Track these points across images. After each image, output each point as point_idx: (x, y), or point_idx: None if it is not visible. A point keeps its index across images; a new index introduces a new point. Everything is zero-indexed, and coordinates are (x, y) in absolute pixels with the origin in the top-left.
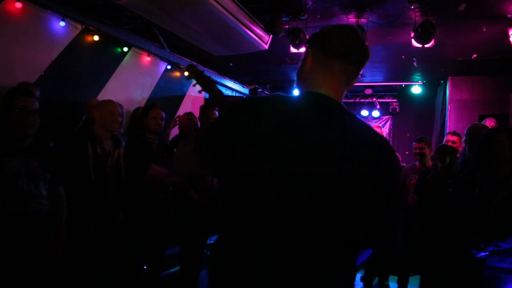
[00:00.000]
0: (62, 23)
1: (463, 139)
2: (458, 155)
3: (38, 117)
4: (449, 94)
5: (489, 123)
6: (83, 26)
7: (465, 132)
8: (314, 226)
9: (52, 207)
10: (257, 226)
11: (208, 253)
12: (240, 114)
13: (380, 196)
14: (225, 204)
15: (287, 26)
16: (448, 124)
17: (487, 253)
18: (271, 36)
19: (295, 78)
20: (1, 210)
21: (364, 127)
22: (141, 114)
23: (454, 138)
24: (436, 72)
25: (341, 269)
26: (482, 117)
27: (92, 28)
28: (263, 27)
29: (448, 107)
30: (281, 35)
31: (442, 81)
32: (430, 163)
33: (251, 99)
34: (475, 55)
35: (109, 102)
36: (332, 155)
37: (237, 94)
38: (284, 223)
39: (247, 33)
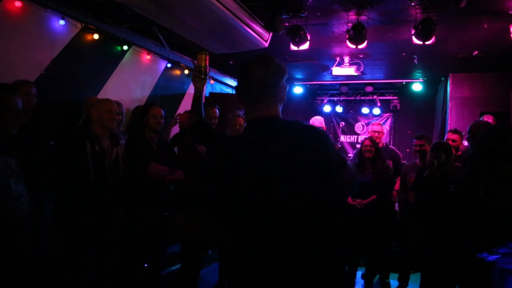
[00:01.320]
0: (61, 22)
1: (465, 137)
2: (459, 152)
3: (22, 116)
4: (450, 91)
5: (487, 120)
6: (83, 25)
7: (467, 129)
8: (297, 223)
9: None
10: (257, 233)
11: (210, 252)
12: (213, 169)
13: (334, 170)
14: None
15: (287, 24)
16: (449, 122)
17: (499, 256)
18: (271, 33)
19: (295, 75)
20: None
21: (296, 127)
22: (141, 112)
23: (455, 136)
24: (437, 69)
25: (329, 257)
26: (483, 114)
27: (92, 26)
28: (263, 24)
29: (449, 104)
30: (281, 32)
31: (443, 78)
32: None
33: (218, 149)
34: (476, 52)
35: (107, 100)
36: (284, 162)
37: None
38: (273, 226)
39: (247, 31)
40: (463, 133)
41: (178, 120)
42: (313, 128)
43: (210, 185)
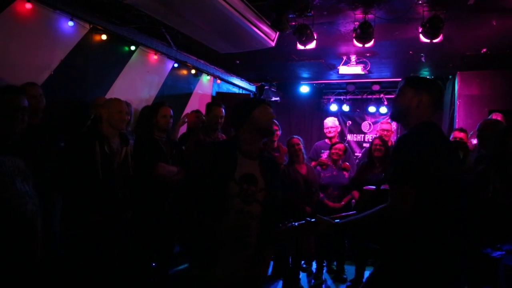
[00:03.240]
0: (70, 23)
1: (471, 134)
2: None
3: (26, 115)
4: (458, 89)
5: (496, 117)
6: (91, 26)
7: (476, 128)
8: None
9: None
10: None
11: None
12: None
13: None
14: None
15: (293, 23)
16: (457, 120)
17: (503, 252)
18: (277, 33)
19: (301, 74)
20: (3, 211)
21: None
22: (150, 112)
23: (461, 134)
24: (444, 67)
25: None
26: (491, 112)
27: (99, 27)
28: (269, 24)
29: (456, 102)
30: (287, 32)
31: (450, 76)
32: None
33: None
34: (484, 50)
35: (117, 100)
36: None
37: (243, 92)
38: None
39: (253, 30)
40: (471, 132)
41: (186, 120)
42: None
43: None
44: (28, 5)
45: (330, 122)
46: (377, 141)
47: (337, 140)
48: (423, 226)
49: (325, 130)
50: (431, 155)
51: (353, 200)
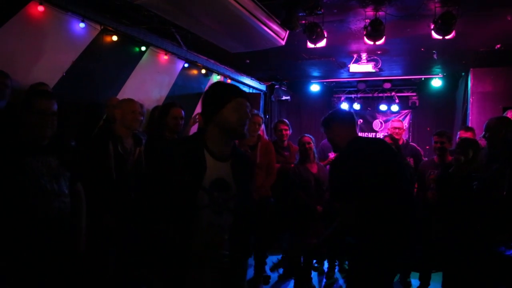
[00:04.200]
0: (82, 25)
1: (481, 135)
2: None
3: (56, 118)
4: (471, 87)
5: (511, 114)
6: (102, 27)
7: (484, 127)
8: None
9: (73, 205)
10: None
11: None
12: None
13: None
14: None
15: (303, 21)
16: (470, 118)
17: None
18: (287, 31)
19: (311, 73)
20: (27, 209)
21: None
22: (161, 112)
23: (468, 134)
24: (457, 64)
25: None
26: (506, 110)
27: (110, 28)
28: (279, 23)
29: (470, 100)
30: (297, 30)
31: (463, 73)
32: (450, 157)
33: None
34: (498, 46)
35: (130, 101)
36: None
37: (254, 91)
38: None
39: (263, 29)
40: (481, 135)
41: (197, 120)
42: None
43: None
44: (41, 8)
45: None
46: (387, 140)
47: None
48: (367, 227)
49: None
50: (357, 170)
51: None
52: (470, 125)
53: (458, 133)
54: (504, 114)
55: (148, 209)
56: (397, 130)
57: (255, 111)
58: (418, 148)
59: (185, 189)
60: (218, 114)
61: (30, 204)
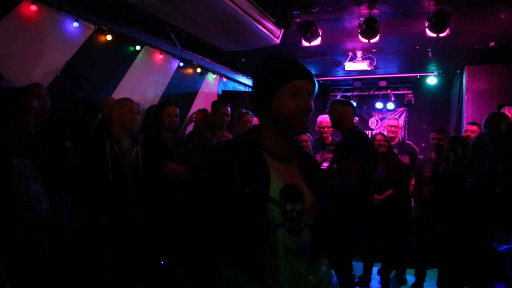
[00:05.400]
0: (75, 24)
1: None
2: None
3: (36, 117)
4: (466, 84)
5: (508, 111)
6: (96, 26)
7: (483, 123)
8: None
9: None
10: None
11: None
12: None
13: None
14: None
15: (298, 20)
16: (465, 115)
17: (510, 246)
18: (282, 30)
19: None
20: (20, 211)
21: None
22: (156, 111)
23: (474, 127)
24: (452, 62)
25: None
26: (500, 107)
27: (104, 28)
28: (274, 21)
29: (465, 97)
30: (292, 29)
31: (458, 71)
32: None
33: None
34: (492, 43)
35: (127, 100)
36: None
37: (250, 90)
38: None
39: (258, 28)
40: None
41: (194, 119)
42: None
43: None
44: (33, 7)
45: (325, 120)
46: (379, 137)
47: (331, 140)
48: (360, 186)
49: (319, 130)
50: (368, 143)
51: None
52: (465, 122)
53: (464, 127)
54: (501, 111)
55: (202, 247)
56: (393, 128)
57: (243, 110)
58: (414, 146)
59: (248, 205)
60: (269, 102)
61: (23, 206)
